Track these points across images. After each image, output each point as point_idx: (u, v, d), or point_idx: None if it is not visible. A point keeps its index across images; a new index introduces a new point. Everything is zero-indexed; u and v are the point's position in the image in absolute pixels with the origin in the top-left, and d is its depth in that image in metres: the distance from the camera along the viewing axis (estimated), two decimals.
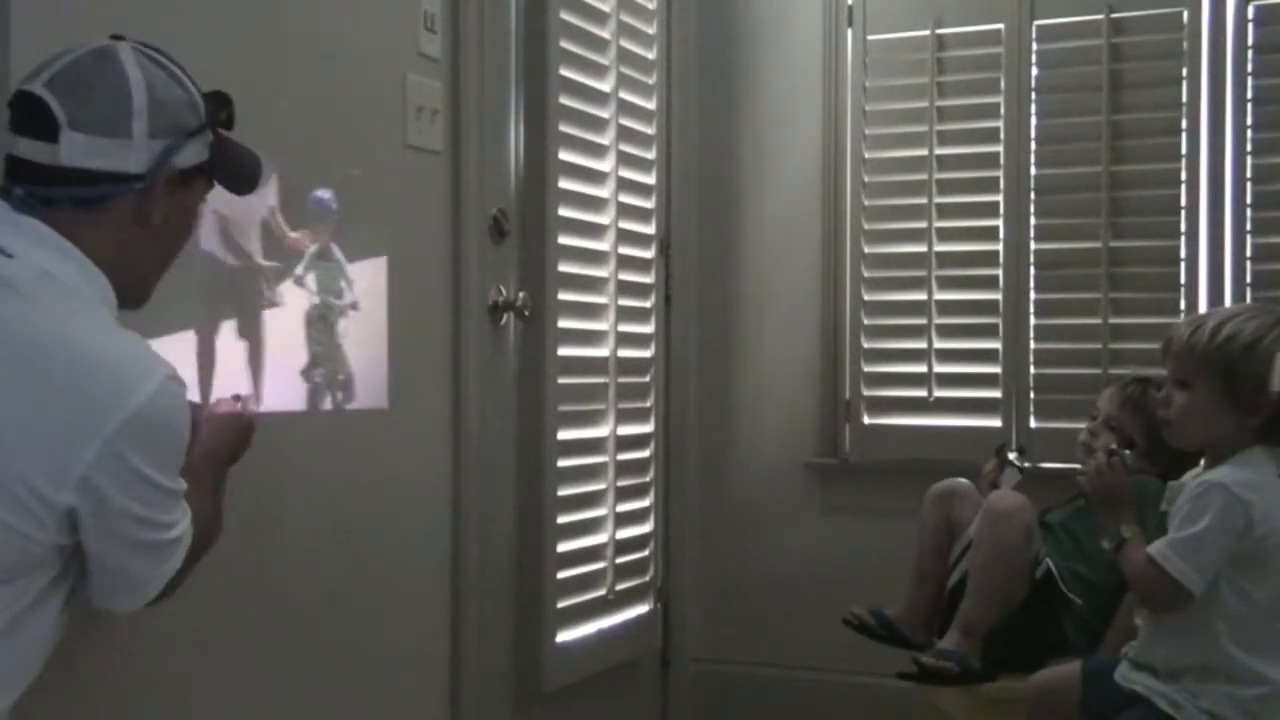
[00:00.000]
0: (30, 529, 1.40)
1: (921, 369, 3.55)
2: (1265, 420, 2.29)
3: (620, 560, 3.28)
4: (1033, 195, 3.46)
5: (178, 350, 1.92)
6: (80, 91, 1.50)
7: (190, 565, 1.59)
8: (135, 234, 1.56)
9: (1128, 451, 2.52)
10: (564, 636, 3.04)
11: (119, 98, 1.51)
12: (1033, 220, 3.46)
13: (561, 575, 3.02)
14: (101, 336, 1.47)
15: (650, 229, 3.50)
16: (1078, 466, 2.90)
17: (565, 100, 3.02)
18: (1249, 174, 3.30)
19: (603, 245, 3.23)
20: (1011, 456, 2.99)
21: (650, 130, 3.48)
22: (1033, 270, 3.46)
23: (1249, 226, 3.29)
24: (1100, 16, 3.40)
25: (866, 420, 3.63)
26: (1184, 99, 3.34)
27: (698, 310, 3.77)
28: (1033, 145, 3.47)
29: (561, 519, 3.01)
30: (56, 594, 1.48)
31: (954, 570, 2.94)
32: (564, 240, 3.03)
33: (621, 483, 3.29)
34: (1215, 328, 2.32)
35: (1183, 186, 3.34)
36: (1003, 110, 3.49)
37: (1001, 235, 3.49)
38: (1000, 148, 3.49)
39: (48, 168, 1.50)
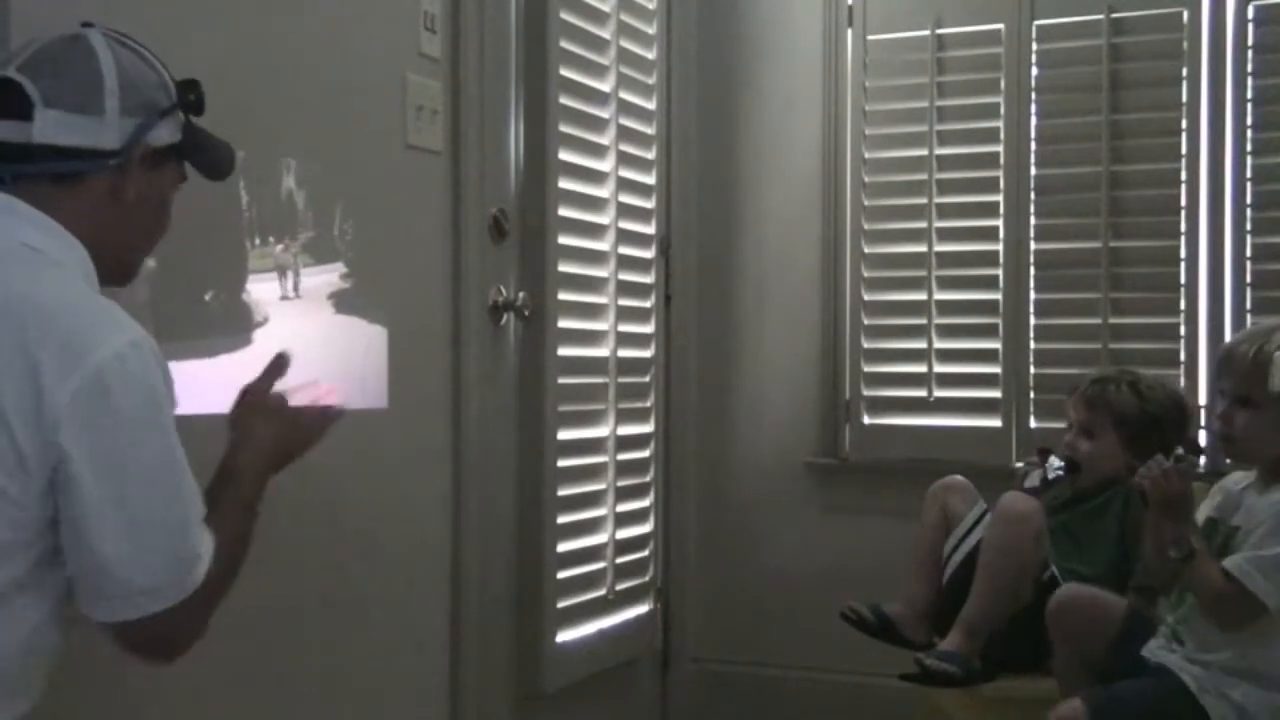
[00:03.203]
0: (11, 485, 1.39)
1: (921, 369, 3.55)
2: None
3: (620, 560, 3.28)
4: (1033, 195, 3.46)
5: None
6: (52, 71, 1.52)
7: (210, 598, 1.56)
8: (110, 210, 1.56)
9: (1194, 458, 2.45)
10: (564, 636, 3.04)
11: (91, 76, 1.53)
12: (1033, 220, 3.46)
13: (561, 575, 3.02)
14: (74, 296, 1.47)
15: (650, 229, 3.50)
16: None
17: (565, 100, 3.02)
18: (1249, 174, 3.30)
19: (603, 245, 3.23)
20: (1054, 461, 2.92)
21: (650, 130, 3.48)
22: (1033, 270, 3.46)
23: (1249, 226, 3.30)
24: (1100, 16, 3.40)
25: (866, 420, 3.63)
26: (1184, 99, 3.35)
27: (698, 310, 3.77)
28: (1033, 145, 3.47)
29: (561, 519, 3.01)
30: (41, 590, 1.46)
31: (948, 563, 2.94)
32: (564, 240, 3.03)
33: (621, 483, 3.29)
34: None
35: (1183, 186, 3.34)
36: (1003, 110, 3.49)
37: (1001, 235, 3.49)
38: (1000, 148, 3.49)
39: (22, 146, 1.51)
